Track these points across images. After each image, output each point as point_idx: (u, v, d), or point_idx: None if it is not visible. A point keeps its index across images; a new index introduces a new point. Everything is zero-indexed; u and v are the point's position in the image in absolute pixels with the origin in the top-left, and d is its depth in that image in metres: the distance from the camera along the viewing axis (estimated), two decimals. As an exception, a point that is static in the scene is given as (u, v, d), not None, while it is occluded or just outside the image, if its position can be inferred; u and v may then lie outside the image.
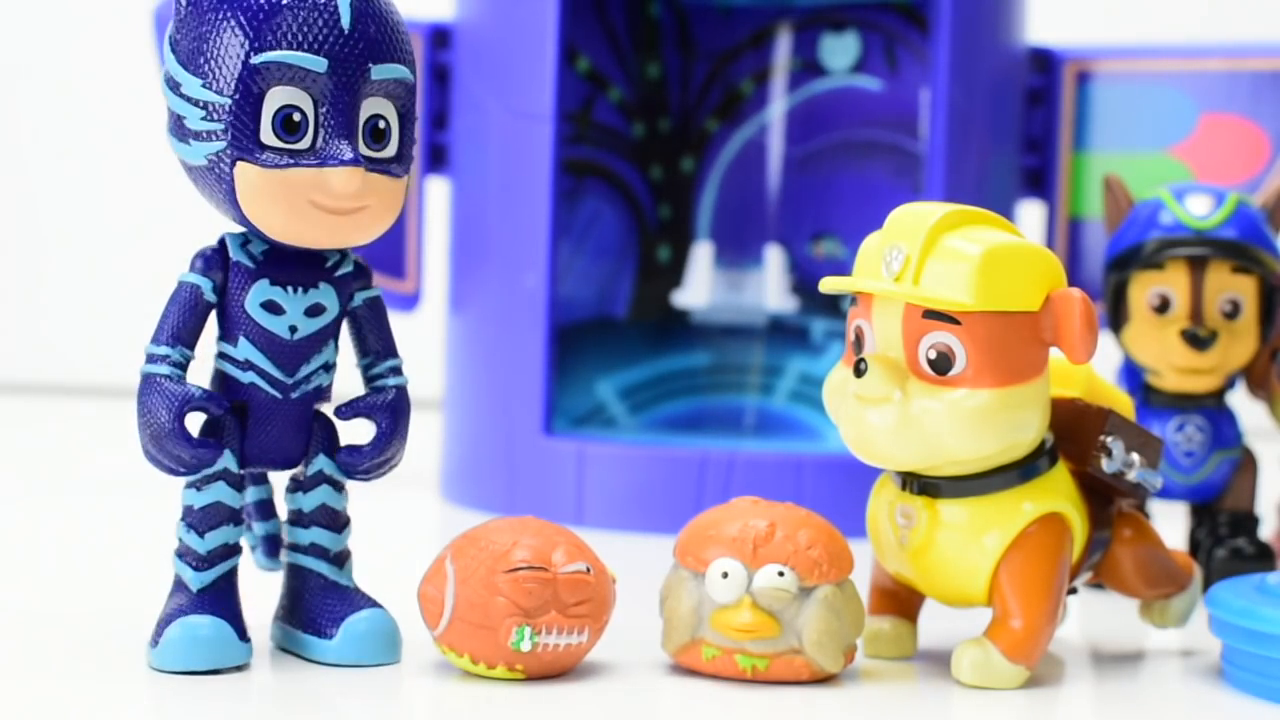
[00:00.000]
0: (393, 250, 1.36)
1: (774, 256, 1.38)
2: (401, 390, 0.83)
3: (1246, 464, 1.06)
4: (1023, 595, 0.81)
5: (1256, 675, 0.81)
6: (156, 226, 2.07)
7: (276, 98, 0.76)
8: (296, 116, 0.77)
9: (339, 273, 0.81)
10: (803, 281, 1.39)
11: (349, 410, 0.83)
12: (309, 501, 0.82)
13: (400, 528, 1.27)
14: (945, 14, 1.25)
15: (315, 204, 0.77)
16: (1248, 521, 1.05)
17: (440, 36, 1.34)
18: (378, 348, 0.83)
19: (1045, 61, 1.33)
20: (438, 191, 1.45)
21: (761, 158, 1.42)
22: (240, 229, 0.80)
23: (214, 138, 0.76)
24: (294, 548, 0.83)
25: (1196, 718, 0.80)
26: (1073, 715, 0.81)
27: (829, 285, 0.82)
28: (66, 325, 2.10)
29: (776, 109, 1.42)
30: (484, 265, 1.29)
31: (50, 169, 2.09)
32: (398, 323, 1.46)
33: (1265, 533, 1.15)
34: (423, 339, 1.72)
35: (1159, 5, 2.01)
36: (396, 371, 0.84)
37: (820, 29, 1.40)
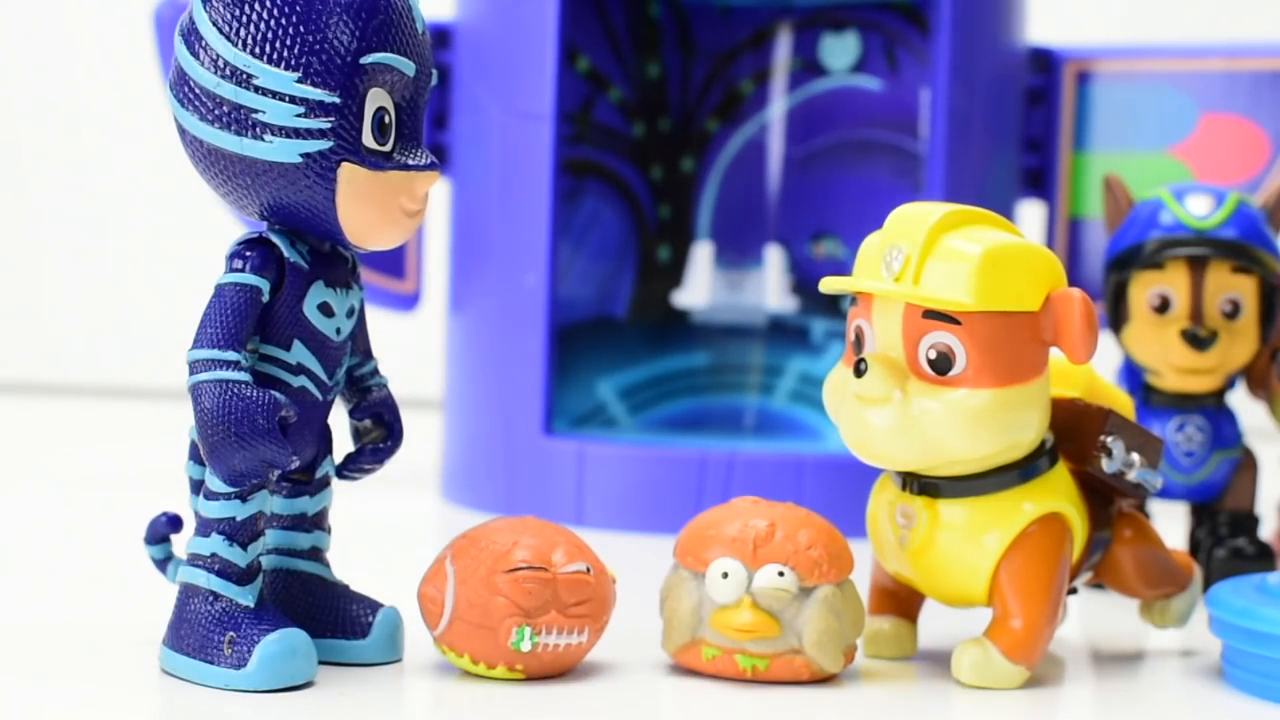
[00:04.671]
0: (393, 250, 1.36)
1: (774, 256, 1.38)
2: (389, 389, 0.84)
3: (1246, 464, 1.06)
4: (1023, 595, 0.81)
5: (1256, 675, 0.81)
6: (159, 228, 2.07)
7: (374, 99, 0.76)
8: (387, 119, 0.76)
9: (355, 271, 0.81)
10: (803, 281, 1.39)
11: (361, 413, 0.83)
12: (314, 505, 0.82)
13: (400, 528, 1.27)
14: (945, 14, 1.25)
15: (401, 207, 0.77)
16: (1248, 521, 1.05)
17: (440, 36, 1.33)
18: (364, 347, 0.83)
19: (1045, 61, 1.33)
20: (438, 191, 1.45)
21: (761, 158, 1.42)
22: (277, 227, 0.78)
23: (316, 136, 0.75)
24: (291, 553, 0.82)
25: (1196, 718, 0.80)
26: (1073, 715, 0.81)
27: (829, 285, 0.82)
28: (68, 326, 2.10)
29: (776, 109, 1.42)
30: (484, 265, 1.29)
31: (55, 170, 2.09)
32: (398, 323, 1.47)
33: (1265, 533, 1.15)
34: (423, 339, 1.73)
35: (1159, 5, 2.01)
36: (377, 372, 0.84)
37: (820, 29, 1.40)
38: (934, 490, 0.81)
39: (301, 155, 0.75)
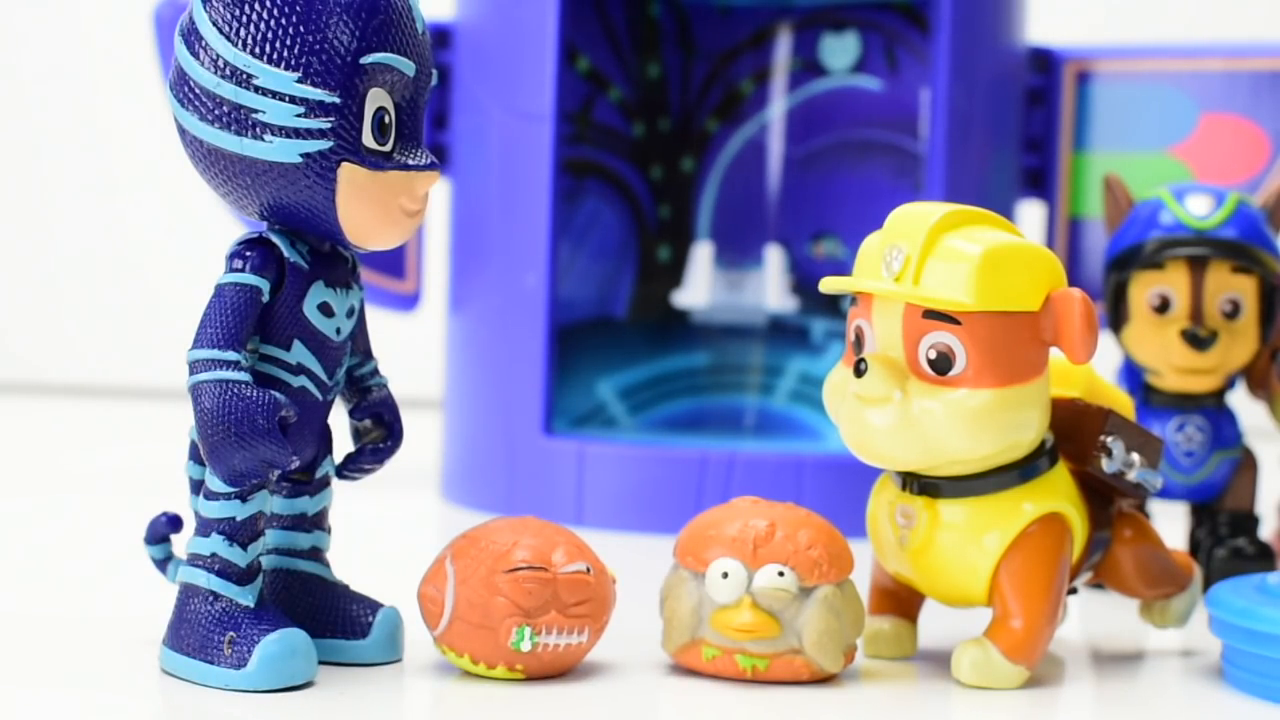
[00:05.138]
0: (393, 250, 1.36)
1: (774, 256, 1.38)
2: (389, 389, 0.84)
3: (1246, 464, 1.06)
4: (1023, 595, 0.81)
5: (1256, 675, 0.81)
6: (159, 229, 2.07)
7: (374, 99, 0.76)
8: (387, 119, 0.76)
9: (356, 271, 0.81)
10: (803, 281, 1.39)
11: (361, 413, 0.83)
12: (314, 505, 0.82)
13: (400, 528, 1.27)
14: (945, 14, 1.25)
15: (401, 207, 0.77)
16: (1248, 521, 1.05)
17: (440, 36, 1.34)
18: (364, 347, 0.83)
19: (1045, 61, 1.33)
20: (438, 191, 1.45)
21: (761, 158, 1.42)
22: (277, 227, 0.78)
23: (316, 136, 0.74)
24: (291, 553, 0.82)
25: (1196, 718, 0.80)
26: (1073, 715, 0.81)
27: (829, 285, 0.82)
28: (69, 326, 2.10)
29: (776, 109, 1.42)
30: (484, 265, 1.29)
31: (61, 171, 2.09)
32: (398, 323, 1.47)
33: (1265, 533, 1.15)
34: (423, 339, 1.73)
35: (1159, 5, 2.01)
36: (378, 372, 0.84)
37: (820, 29, 1.40)
38: (934, 490, 0.81)
39: (301, 155, 0.75)
